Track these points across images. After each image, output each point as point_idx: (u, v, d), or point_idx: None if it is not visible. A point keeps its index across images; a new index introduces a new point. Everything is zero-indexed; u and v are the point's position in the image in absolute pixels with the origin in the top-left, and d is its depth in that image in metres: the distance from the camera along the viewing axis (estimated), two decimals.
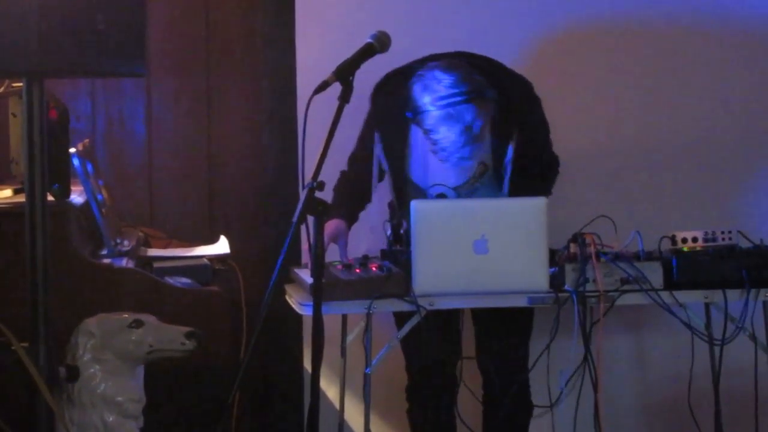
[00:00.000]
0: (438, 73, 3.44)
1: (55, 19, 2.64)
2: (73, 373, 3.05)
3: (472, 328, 3.86)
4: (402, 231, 3.58)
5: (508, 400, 3.70)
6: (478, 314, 3.81)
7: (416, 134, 3.61)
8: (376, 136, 3.64)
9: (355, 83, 3.00)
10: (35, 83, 2.77)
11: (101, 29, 2.69)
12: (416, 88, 3.47)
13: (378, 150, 3.64)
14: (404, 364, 3.84)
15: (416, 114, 3.46)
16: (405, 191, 3.69)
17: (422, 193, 3.68)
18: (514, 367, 3.73)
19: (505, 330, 3.74)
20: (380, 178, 3.70)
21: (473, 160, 3.51)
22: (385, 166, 3.65)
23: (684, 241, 3.47)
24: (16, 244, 2.99)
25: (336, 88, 2.99)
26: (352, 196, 3.75)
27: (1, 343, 2.74)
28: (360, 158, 3.75)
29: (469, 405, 3.91)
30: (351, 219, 3.71)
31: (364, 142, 3.73)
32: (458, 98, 3.39)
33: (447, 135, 3.41)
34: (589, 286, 3.37)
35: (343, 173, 3.80)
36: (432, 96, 3.42)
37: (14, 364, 2.75)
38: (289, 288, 3.59)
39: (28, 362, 2.64)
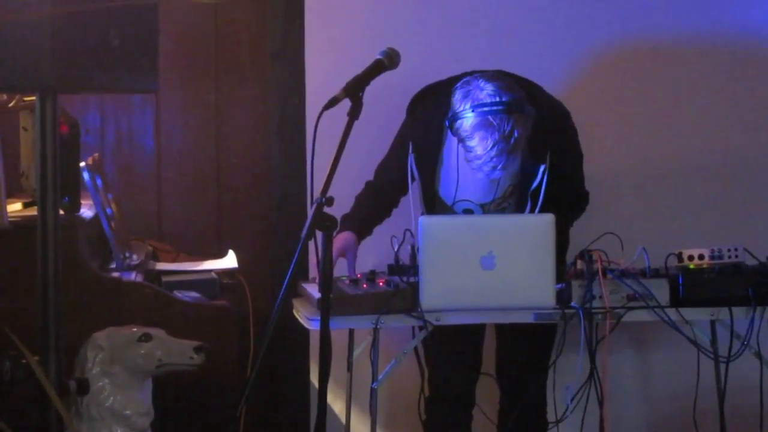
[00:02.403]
0: (481, 82, 3.43)
1: (68, 35, 2.66)
2: (83, 387, 3.06)
3: (491, 345, 3.88)
4: (410, 246, 3.59)
5: (522, 411, 3.71)
6: (501, 330, 3.83)
7: (449, 149, 3.61)
8: (410, 147, 3.64)
9: (366, 98, 3.01)
10: (48, 98, 2.78)
11: (114, 45, 2.70)
12: (457, 95, 3.46)
13: (410, 161, 3.65)
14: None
15: (454, 120, 3.45)
16: (433, 205, 3.70)
17: (448, 209, 3.68)
18: (535, 382, 3.74)
19: (528, 345, 3.75)
20: (405, 192, 3.71)
21: (506, 170, 3.47)
22: (416, 176, 3.66)
23: (690, 258, 3.47)
24: (27, 258, 2.99)
25: (346, 102, 3.01)
26: (373, 207, 3.75)
27: (12, 356, 2.75)
28: (389, 168, 3.74)
29: (481, 423, 3.92)
30: (364, 232, 3.70)
31: (396, 152, 3.72)
32: (498, 107, 3.37)
33: (482, 142, 3.38)
34: (596, 303, 3.38)
35: (368, 183, 3.80)
36: (472, 102, 3.40)
37: (25, 377, 2.76)
38: (296, 302, 3.60)
39: (41, 375, 2.65)
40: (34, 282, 2.88)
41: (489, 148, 3.38)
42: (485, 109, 3.38)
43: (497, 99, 3.38)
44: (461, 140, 3.44)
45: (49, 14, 2.61)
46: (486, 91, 3.40)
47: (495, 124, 3.37)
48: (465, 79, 3.48)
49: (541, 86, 3.68)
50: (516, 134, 3.38)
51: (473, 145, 3.40)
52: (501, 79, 3.45)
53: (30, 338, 2.84)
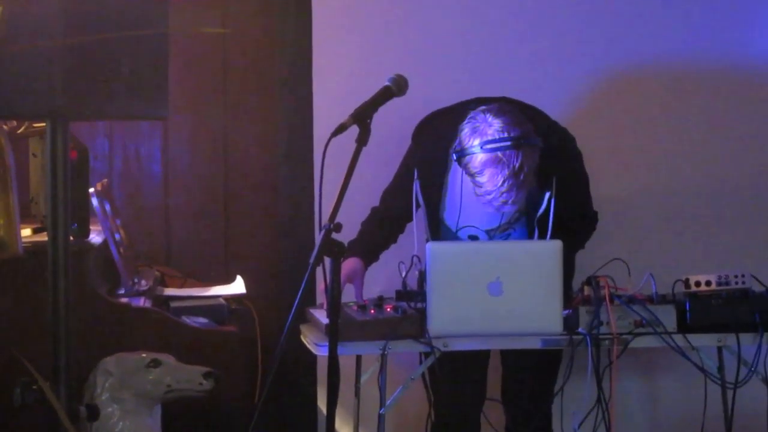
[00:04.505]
0: (489, 117, 3.44)
1: (80, 64, 2.67)
2: (93, 413, 3.06)
3: (496, 370, 3.88)
4: (418, 271, 3.59)
5: None
6: (507, 356, 3.84)
7: (454, 176, 3.63)
8: (415, 173, 3.66)
9: (374, 124, 3.02)
10: (59, 125, 2.79)
11: (125, 74, 2.71)
12: (465, 130, 3.46)
13: (416, 187, 3.66)
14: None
15: (463, 155, 3.46)
16: (438, 231, 3.71)
17: (453, 235, 3.69)
18: (541, 408, 3.74)
19: (534, 371, 3.75)
20: (411, 218, 3.71)
21: (517, 204, 3.50)
22: (421, 202, 3.67)
23: (697, 284, 3.47)
24: (37, 283, 3.00)
25: (353, 129, 3.02)
26: (379, 233, 3.77)
27: (23, 381, 2.75)
28: (395, 194, 3.76)
29: None
30: (370, 258, 3.71)
31: (401, 179, 3.74)
32: (507, 143, 3.39)
33: (492, 179, 3.40)
34: (603, 329, 3.38)
35: (374, 209, 3.81)
36: (481, 139, 3.41)
37: (35, 403, 2.76)
38: (304, 328, 3.60)
39: (54, 401, 2.65)
40: (44, 308, 2.88)
41: (499, 185, 3.39)
42: (494, 145, 3.39)
43: (506, 135, 3.39)
44: (471, 175, 3.45)
45: (61, 43, 2.63)
46: (494, 128, 3.41)
47: (504, 160, 3.38)
48: (471, 115, 3.49)
49: (545, 113, 3.70)
50: (525, 169, 3.40)
51: (483, 181, 3.42)
52: (507, 112, 3.46)
53: (40, 364, 2.84)
